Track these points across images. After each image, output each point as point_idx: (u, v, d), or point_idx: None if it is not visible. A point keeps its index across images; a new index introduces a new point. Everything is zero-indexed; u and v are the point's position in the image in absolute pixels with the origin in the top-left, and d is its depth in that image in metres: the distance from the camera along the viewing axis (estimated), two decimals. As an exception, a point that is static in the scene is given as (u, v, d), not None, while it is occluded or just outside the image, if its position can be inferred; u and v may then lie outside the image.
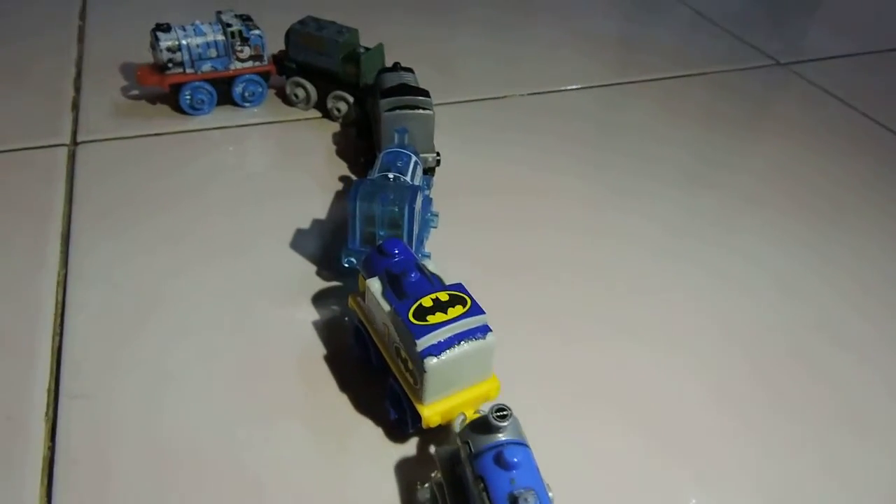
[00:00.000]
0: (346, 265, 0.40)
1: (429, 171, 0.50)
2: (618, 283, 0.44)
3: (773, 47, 0.79)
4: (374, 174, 0.41)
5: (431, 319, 0.31)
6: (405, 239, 0.39)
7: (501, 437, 0.27)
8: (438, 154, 0.50)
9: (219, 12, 0.56)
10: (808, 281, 0.46)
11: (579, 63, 0.71)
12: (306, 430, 0.34)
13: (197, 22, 0.54)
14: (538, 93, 0.65)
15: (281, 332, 0.38)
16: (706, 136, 0.61)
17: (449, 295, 0.32)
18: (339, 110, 0.57)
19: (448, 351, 0.30)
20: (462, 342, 0.31)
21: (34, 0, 0.72)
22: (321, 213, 0.47)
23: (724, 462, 0.34)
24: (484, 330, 0.31)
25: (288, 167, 0.52)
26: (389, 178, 0.40)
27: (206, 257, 0.43)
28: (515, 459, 0.26)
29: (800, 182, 0.56)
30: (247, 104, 0.58)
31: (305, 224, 0.46)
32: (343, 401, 0.35)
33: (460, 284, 0.33)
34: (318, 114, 0.58)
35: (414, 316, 0.31)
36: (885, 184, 0.57)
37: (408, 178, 0.40)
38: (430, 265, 0.35)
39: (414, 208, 0.38)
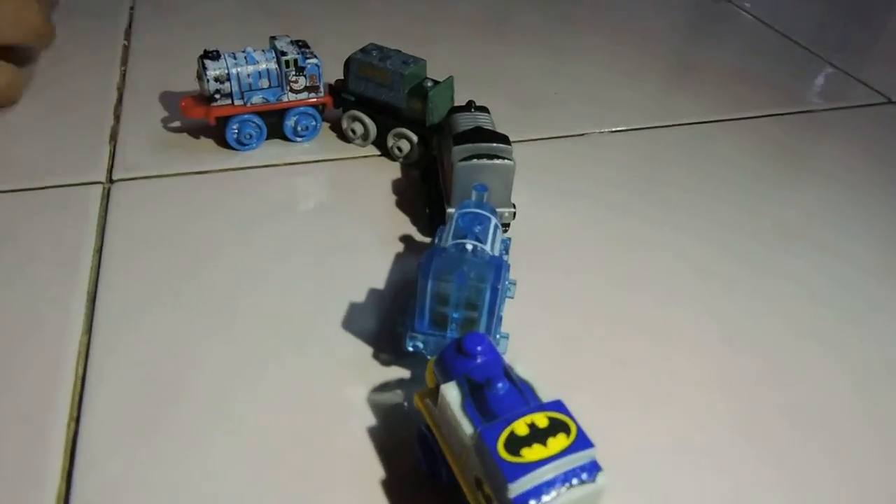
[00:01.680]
0: (411, 349, 0.34)
1: (503, 227, 0.43)
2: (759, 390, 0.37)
3: (886, 83, 0.70)
4: (448, 240, 0.35)
5: (527, 455, 0.24)
6: (483, 323, 0.32)
7: None
8: (514, 207, 0.43)
9: (273, 38, 0.50)
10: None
11: (668, 97, 0.64)
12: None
13: (249, 49, 0.48)
14: (622, 130, 0.58)
15: (329, 431, 0.32)
16: (808, 186, 0.53)
17: (548, 419, 0.25)
18: (400, 149, 0.50)
19: (548, 497, 0.24)
20: (566, 486, 0.24)
21: (79, 14, 0.68)
22: (379, 276, 0.41)
23: None
24: (592, 469, 0.25)
25: (342, 214, 0.46)
26: (467, 250, 0.33)
27: (245, 326, 0.37)
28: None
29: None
30: (299, 139, 0.52)
31: (361, 289, 0.40)
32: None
33: (559, 403, 0.26)
34: (377, 152, 0.52)
35: (506, 447, 0.24)
36: None
37: (487, 247, 0.34)
38: (520, 368, 0.28)
39: (497, 289, 0.31)
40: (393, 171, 0.50)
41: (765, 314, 0.41)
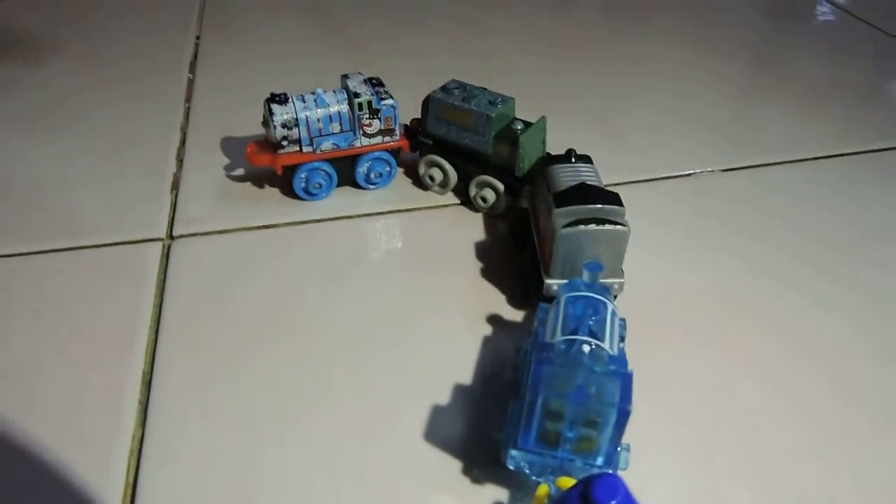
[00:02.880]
0: (512, 467, 0.28)
1: (611, 300, 0.37)
2: None
3: None
4: (557, 333, 0.29)
5: None
6: (604, 446, 0.26)
7: None
8: (623, 276, 0.37)
9: (345, 76, 0.46)
10: None
11: (792, 128, 0.56)
12: None
13: (319, 91, 0.44)
14: (738, 168, 0.51)
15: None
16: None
17: None
18: (485, 199, 0.45)
19: None
20: None
21: (142, 45, 0.65)
22: (465, 360, 0.35)
23: None
24: None
25: (419, 277, 0.41)
26: (584, 352, 0.27)
27: (311, 416, 0.32)
28: None
29: None
30: (371, 186, 0.47)
31: (444, 377, 0.34)
32: None
33: None
34: (457, 200, 0.47)
35: None
36: None
37: (606, 345, 0.28)
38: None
39: (627, 409, 0.25)
40: (476, 223, 0.45)
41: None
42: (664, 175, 0.50)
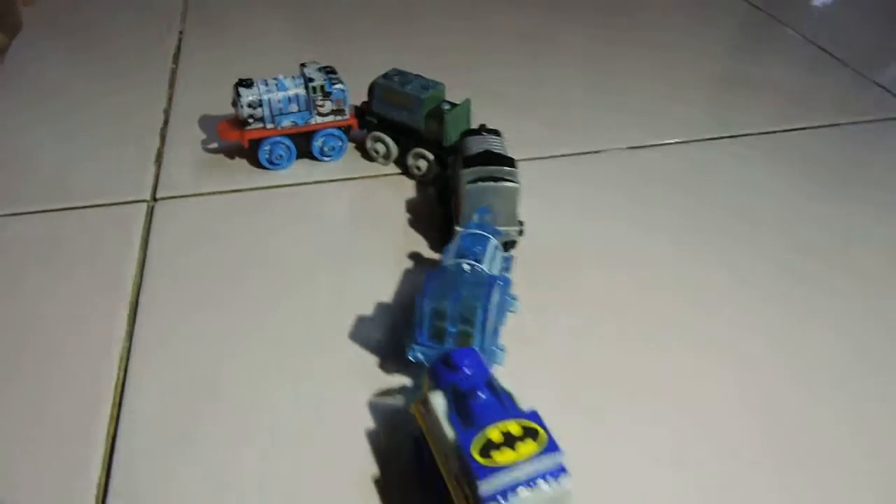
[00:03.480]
0: (413, 360, 0.37)
1: (510, 245, 0.46)
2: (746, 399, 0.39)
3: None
4: (450, 258, 0.38)
5: (498, 458, 0.27)
6: (477, 337, 0.35)
7: None
8: (522, 224, 0.46)
9: (303, 64, 0.54)
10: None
11: (688, 112, 0.65)
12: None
13: (280, 77, 0.52)
14: (640, 146, 0.60)
15: (336, 430, 0.35)
16: (827, 200, 0.54)
17: (521, 427, 0.28)
18: (419, 168, 0.54)
19: (515, 497, 0.26)
20: (532, 487, 0.26)
21: (130, 36, 0.74)
22: (389, 289, 0.44)
23: None
24: (558, 472, 0.27)
25: (362, 229, 0.49)
26: (465, 269, 0.36)
27: (270, 333, 0.41)
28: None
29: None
30: (326, 158, 0.56)
31: (373, 301, 0.43)
32: (399, 521, 0.32)
33: (535, 413, 0.29)
34: (398, 170, 0.55)
35: (480, 452, 0.27)
36: None
37: (485, 267, 0.37)
38: (503, 381, 0.31)
39: (488, 306, 0.34)
40: (411, 188, 0.54)
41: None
42: (580, 151, 0.59)
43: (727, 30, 0.84)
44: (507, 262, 0.42)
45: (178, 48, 0.73)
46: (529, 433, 0.28)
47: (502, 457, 0.27)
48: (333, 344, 0.40)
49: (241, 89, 0.51)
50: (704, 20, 0.85)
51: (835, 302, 0.45)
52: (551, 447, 0.27)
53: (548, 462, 0.27)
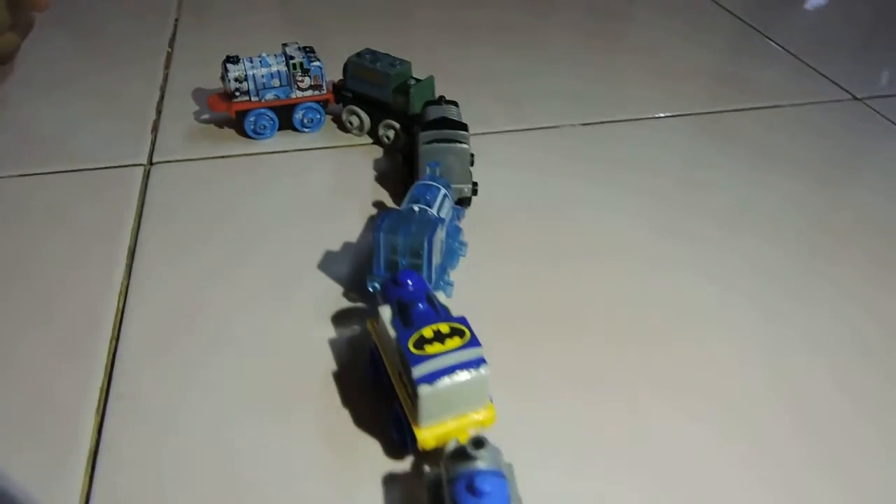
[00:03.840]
0: (371, 290, 0.43)
1: (464, 202, 0.52)
2: (656, 337, 0.45)
3: (850, 81, 0.76)
4: (404, 205, 0.44)
5: (429, 349, 0.33)
6: (424, 268, 0.41)
7: (477, 465, 0.29)
8: (475, 184, 0.52)
9: (284, 44, 0.60)
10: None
11: (643, 94, 0.72)
12: (314, 439, 0.36)
13: (263, 54, 0.58)
14: (593, 123, 0.66)
15: (305, 348, 0.41)
16: (767, 174, 0.60)
17: (450, 327, 0.34)
18: (388, 137, 0.60)
19: (441, 380, 0.32)
20: (456, 373, 0.33)
21: (129, 21, 0.80)
22: (356, 235, 0.50)
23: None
24: (478, 362, 0.33)
25: (336, 190, 0.56)
26: (415, 210, 0.42)
27: (250, 274, 0.47)
28: (486, 488, 0.28)
29: (863, 225, 0.55)
30: (305, 130, 0.62)
31: (342, 248, 0.49)
32: (353, 417, 0.38)
33: (463, 318, 0.35)
34: (370, 140, 0.61)
35: (414, 345, 0.33)
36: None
37: (433, 211, 0.43)
38: (440, 297, 0.37)
39: (433, 240, 0.40)
40: (382, 155, 0.60)
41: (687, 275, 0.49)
42: (537, 126, 0.65)
43: (680, 20, 0.90)
44: (458, 211, 0.48)
45: (174, 34, 0.79)
46: (456, 332, 0.34)
47: (432, 348, 0.33)
48: (305, 278, 0.46)
49: (229, 65, 0.57)
50: (662, 12, 0.91)
51: (766, 259, 0.51)
52: (473, 342, 0.33)
53: (469, 354, 0.33)
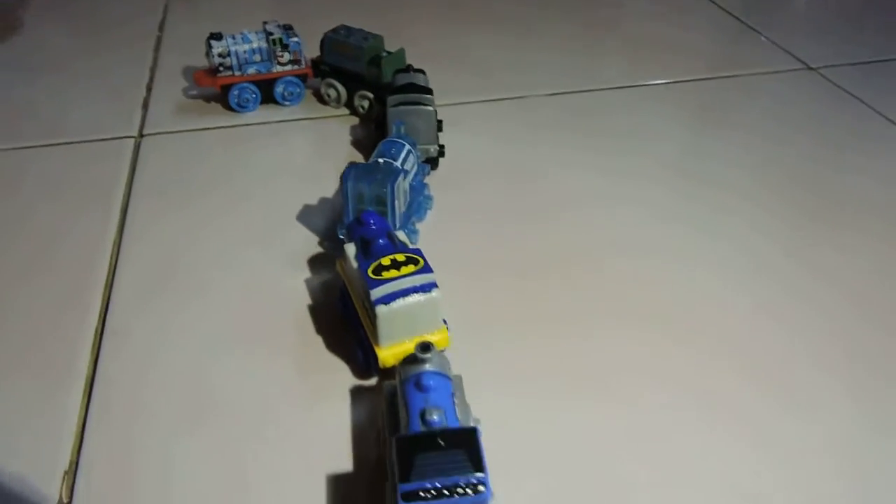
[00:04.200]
0: (341, 237, 0.47)
1: (431, 161, 0.56)
2: (607, 284, 0.48)
3: (805, 52, 0.80)
4: (371, 160, 0.48)
5: (386, 275, 0.37)
6: (389, 214, 0.45)
7: (424, 367, 0.33)
8: (442, 146, 0.56)
9: (265, 22, 0.64)
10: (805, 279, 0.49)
11: (603, 64, 0.75)
12: (289, 365, 0.41)
13: (245, 31, 0.62)
14: (558, 93, 0.70)
15: (284, 290, 0.46)
16: (723, 138, 0.64)
17: (405, 256, 0.38)
18: (363, 107, 0.64)
19: (397, 301, 0.36)
20: (410, 295, 0.37)
21: (120, 12, 0.84)
22: (332, 191, 0.54)
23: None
24: (430, 286, 0.37)
25: (316, 157, 0.60)
26: (380, 163, 0.46)
27: (234, 228, 0.51)
28: (430, 383, 0.32)
29: (804, 179, 0.59)
30: (286, 103, 0.66)
31: (319, 205, 0.53)
32: (324, 345, 0.42)
33: (418, 249, 0.39)
34: (347, 111, 0.65)
35: (373, 272, 0.37)
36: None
37: (397, 164, 0.47)
38: (400, 235, 0.41)
39: (395, 187, 0.44)
40: (358, 125, 0.64)
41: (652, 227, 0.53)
42: (506, 97, 0.69)
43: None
44: (423, 168, 0.52)
45: (163, 18, 0.83)
46: (411, 260, 0.38)
47: (389, 274, 0.37)
48: (284, 231, 0.50)
49: (212, 41, 0.61)
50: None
51: (704, 197, 0.55)
52: (426, 269, 0.37)
53: (422, 279, 0.37)
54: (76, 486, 0.35)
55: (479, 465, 0.28)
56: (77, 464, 0.36)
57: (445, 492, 0.27)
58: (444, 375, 0.33)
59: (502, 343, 0.42)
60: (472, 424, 0.32)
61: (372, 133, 0.62)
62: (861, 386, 0.40)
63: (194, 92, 0.67)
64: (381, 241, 0.39)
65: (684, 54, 0.78)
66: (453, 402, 0.32)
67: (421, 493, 0.27)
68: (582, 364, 0.41)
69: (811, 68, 0.77)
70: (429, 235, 0.49)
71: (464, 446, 0.29)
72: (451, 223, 0.52)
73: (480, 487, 0.28)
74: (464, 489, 0.28)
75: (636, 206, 0.54)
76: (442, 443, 0.29)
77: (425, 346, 0.33)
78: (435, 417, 0.30)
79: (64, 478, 0.35)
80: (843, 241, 0.52)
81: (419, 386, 0.32)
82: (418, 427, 0.30)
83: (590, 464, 0.36)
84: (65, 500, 0.34)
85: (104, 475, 0.35)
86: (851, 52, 0.80)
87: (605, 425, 0.38)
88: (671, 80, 0.73)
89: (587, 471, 0.35)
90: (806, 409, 0.39)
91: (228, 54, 0.62)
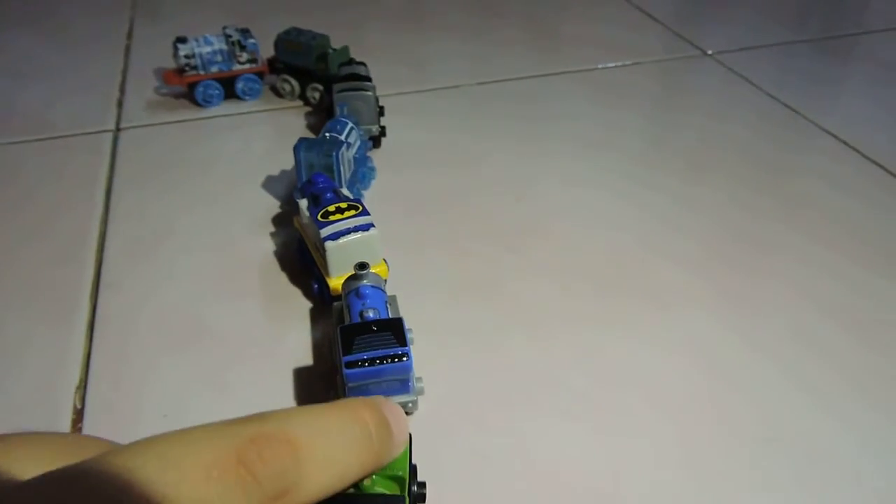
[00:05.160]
0: (296, 200, 0.56)
1: (374, 140, 0.65)
2: (532, 256, 0.58)
3: (703, 40, 0.91)
4: (319, 136, 0.57)
5: (332, 218, 0.46)
6: (336, 180, 0.54)
7: (362, 282, 0.42)
8: (383, 127, 0.65)
9: (224, 27, 0.73)
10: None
11: (521, 55, 0.86)
12: (261, 300, 0.49)
13: (207, 35, 0.71)
14: (488, 82, 0.80)
15: (251, 245, 0.54)
16: (627, 113, 0.75)
17: (347, 204, 0.47)
18: (315, 98, 0.73)
19: (342, 238, 0.46)
20: (353, 232, 0.46)
21: (90, 26, 0.92)
22: (290, 165, 0.63)
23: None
24: (369, 226, 0.46)
25: (275, 142, 0.69)
26: (326, 136, 0.55)
27: (207, 201, 0.60)
28: (367, 291, 0.41)
29: (709, 156, 0.69)
30: (247, 97, 0.75)
31: (279, 177, 0.62)
32: (287, 285, 0.51)
33: (358, 199, 0.48)
34: (301, 102, 0.75)
35: (321, 216, 0.46)
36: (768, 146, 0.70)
37: (341, 138, 0.56)
38: (343, 191, 0.50)
39: (339, 155, 0.53)
40: (311, 113, 0.73)
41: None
42: (437, 86, 0.79)
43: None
44: (366, 143, 0.61)
45: (131, 29, 0.91)
46: (353, 207, 0.47)
47: (335, 217, 0.46)
48: (250, 200, 0.59)
49: (179, 45, 0.70)
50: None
51: (620, 164, 0.65)
52: (365, 213, 0.47)
53: (362, 220, 0.46)
54: (87, 397, 0.43)
55: (403, 342, 0.37)
56: (86, 381, 0.44)
57: (377, 361, 0.37)
58: (379, 288, 0.42)
59: (435, 303, 0.51)
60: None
61: (323, 120, 0.71)
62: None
63: (164, 90, 0.76)
64: (328, 195, 0.49)
65: (594, 44, 0.89)
66: (386, 306, 0.41)
67: (359, 363, 0.37)
68: (508, 309, 0.51)
69: (707, 54, 0.88)
70: (371, 204, 0.58)
71: (391, 330, 0.38)
72: (392, 193, 0.61)
73: (404, 358, 0.37)
74: (391, 359, 0.37)
75: (554, 178, 0.65)
76: (374, 328, 0.38)
77: (363, 265, 0.42)
78: (370, 314, 0.39)
79: (76, 391, 0.43)
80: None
81: (358, 294, 0.41)
82: (357, 321, 0.39)
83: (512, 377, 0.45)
84: (78, 406, 0.43)
85: (109, 388, 0.44)
86: (741, 38, 0.92)
87: (530, 355, 0.47)
88: (582, 69, 0.84)
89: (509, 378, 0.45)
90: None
91: (193, 55, 0.70)
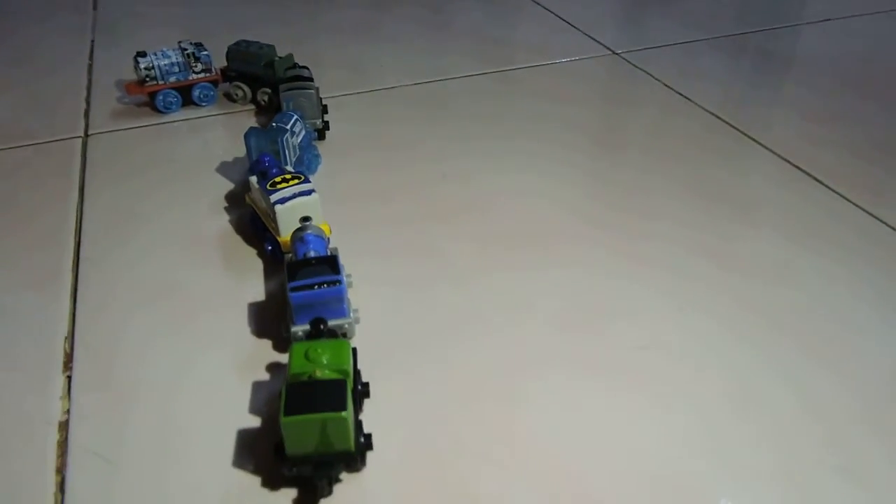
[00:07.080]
0: (249, 178, 0.65)
1: (318, 133, 0.75)
2: (467, 239, 0.68)
3: (611, 40, 1.03)
4: (268, 127, 0.66)
5: (279, 187, 0.55)
6: (282, 160, 0.63)
7: (306, 231, 0.51)
8: (327, 122, 0.75)
9: (180, 41, 0.82)
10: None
11: (454, 59, 0.96)
12: (221, 262, 0.58)
13: (164, 48, 0.80)
14: (421, 83, 0.90)
15: (212, 221, 0.63)
16: (549, 105, 0.85)
17: (291, 175, 0.56)
18: (264, 101, 0.82)
19: (289, 201, 0.55)
20: (297, 197, 0.55)
21: (54, 45, 0.99)
22: (244, 160, 0.72)
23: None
24: (311, 192, 0.56)
25: (230, 141, 0.77)
26: (273, 126, 0.64)
27: (170, 190, 0.68)
28: (310, 237, 0.50)
29: (610, 141, 0.80)
30: (203, 104, 0.83)
31: (234, 166, 0.71)
32: (243, 249, 0.59)
33: (301, 171, 0.57)
34: (253, 106, 0.84)
35: (270, 186, 0.55)
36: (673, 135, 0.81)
37: (287, 128, 0.65)
38: (288, 167, 0.59)
39: (284, 140, 0.62)
40: (261, 115, 0.82)
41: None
42: (377, 88, 0.89)
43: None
44: (311, 133, 0.70)
45: (92, 49, 0.99)
46: (296, 177, 0.56)
47: (281, 186, 0.55)
48: (209, 185, 0.68)
49: (139, 58, 0.79)
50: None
51: (550, 164, 0.76)
52: (307, 181, 0.56)
53: (305, 187, 0.55)
54: (74, 345, 0.51)
55: (336, 271, 0.46)
56: (73, 332, 0.52)
57: (315, 286, 0.46)
58: (320, 237, 0.51)
59: (373, 262, 0.60)
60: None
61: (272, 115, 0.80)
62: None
63: (127, 100, 0.84)
64: (274, 170, 0.58)
65: (512, 47, 1.00)
66: (327, 251, 0.50)
67: (301, 287, 0.45)
68: (436, 265, 0.60)
69: (616, 53, 1.00)
70: (318, 185, 0.67)
71: (328, 264, 0.47)
72: (337, 176, 0.70)
73: (336, 283, 0.46)
74: (327, 284, 0.46)
75: (475, 159, 0.74)
76: (314, 263, 0.47)
77: (306, 218, 0.51)
78: (312, 255, 0.48)
79: (64, 341, 0.51)
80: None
81: (302, 241, 0.50)
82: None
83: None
84: (67, 351, 0.50)
85: (94, 336, 0.52)
86: (647, 37, 1.04)
87: (453, 299, 0.56)
88: (505, 69, 0.94)
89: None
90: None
91: (153, 67, 0.79)
